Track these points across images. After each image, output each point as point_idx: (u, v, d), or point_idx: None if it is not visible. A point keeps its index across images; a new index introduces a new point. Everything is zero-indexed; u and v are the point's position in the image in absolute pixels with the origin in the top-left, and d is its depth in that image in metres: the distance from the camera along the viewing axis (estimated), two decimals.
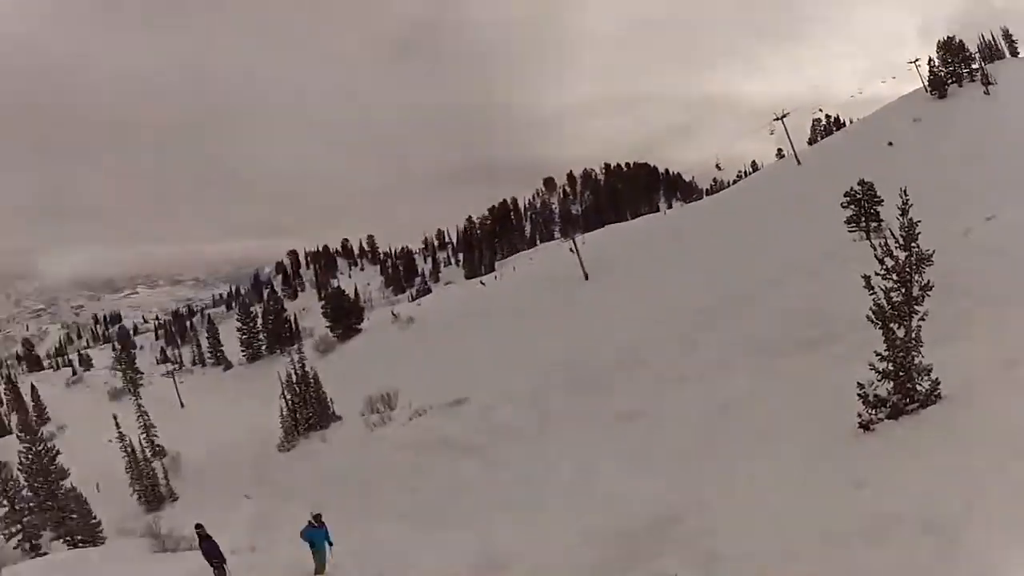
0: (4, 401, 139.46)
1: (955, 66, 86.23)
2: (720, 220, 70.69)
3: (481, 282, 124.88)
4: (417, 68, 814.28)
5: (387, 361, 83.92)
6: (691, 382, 34.50)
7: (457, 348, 76.70)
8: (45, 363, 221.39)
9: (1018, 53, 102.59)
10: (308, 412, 60.48)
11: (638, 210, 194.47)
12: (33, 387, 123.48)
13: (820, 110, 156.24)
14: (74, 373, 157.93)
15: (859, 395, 19.91)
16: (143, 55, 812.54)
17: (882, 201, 45.03)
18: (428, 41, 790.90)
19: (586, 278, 78.70)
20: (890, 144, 64.66)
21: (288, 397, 61.38)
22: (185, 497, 61.65)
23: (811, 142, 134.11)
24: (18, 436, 54.17)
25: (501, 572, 19.18)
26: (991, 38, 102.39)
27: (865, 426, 19.78)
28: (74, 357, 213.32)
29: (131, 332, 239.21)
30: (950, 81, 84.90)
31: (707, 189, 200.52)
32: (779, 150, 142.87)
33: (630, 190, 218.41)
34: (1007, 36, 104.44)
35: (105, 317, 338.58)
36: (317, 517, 24.47)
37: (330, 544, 24.36)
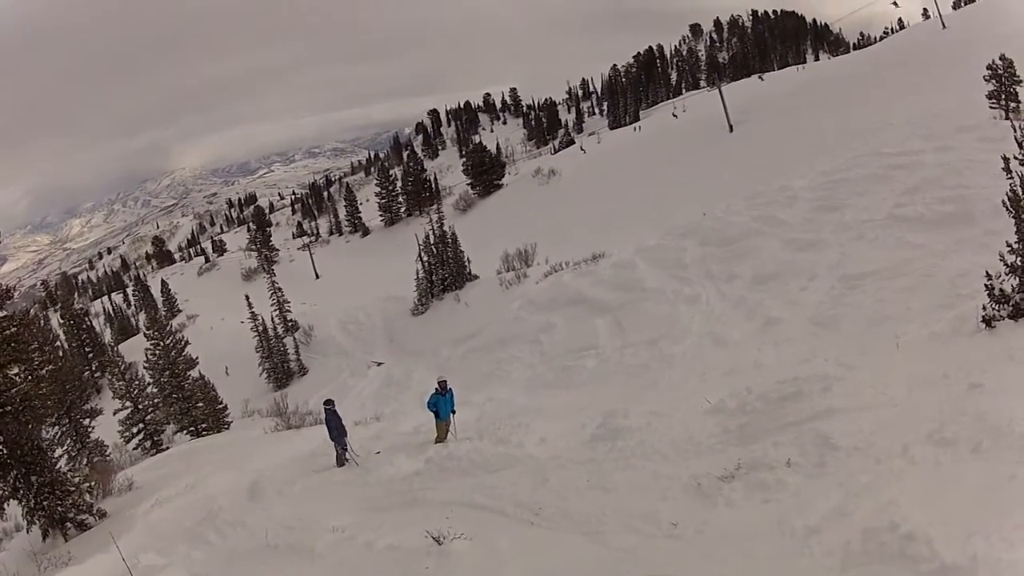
0: (132, 303, 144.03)
1: None
2: (861, 80, 68.15)
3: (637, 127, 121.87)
4: None
5: (527, 216, 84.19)
6: (825, 248, 33.48)
7: (598, 201, 76.52)
8: (176, 256, 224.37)
9: None
10: (444, 273, 60.24)
11: (785, 59, 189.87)
12: (163, 282, 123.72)
13: None
14: (207, 260, 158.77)
15: (986, 286, 18.72)
16: None
17: (1021, 81, 43.02)
18: None
19: (731, 130, 76.52)
20: None
21: (425, 258, 61.09)
22: (315, 370, 63.37)
23: (955, 6, 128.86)
24: (144, 334, 54.80)
25: (621, 440, 18.78)
26: None
27: (988, 322, 18.64)
28: (207, 245, 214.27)
29: (266, 211, 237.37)
30: None
31: (854, 43, 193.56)
32: (924, 10, 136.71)
33: (777, 39, 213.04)
34: None
35: (239, 200, 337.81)
36: (443, 383, 24.38)
37: (453, 412, 24.32)
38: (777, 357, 24.72)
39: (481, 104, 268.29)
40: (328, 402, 24.95)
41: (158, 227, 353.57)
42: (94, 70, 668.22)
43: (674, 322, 33.60)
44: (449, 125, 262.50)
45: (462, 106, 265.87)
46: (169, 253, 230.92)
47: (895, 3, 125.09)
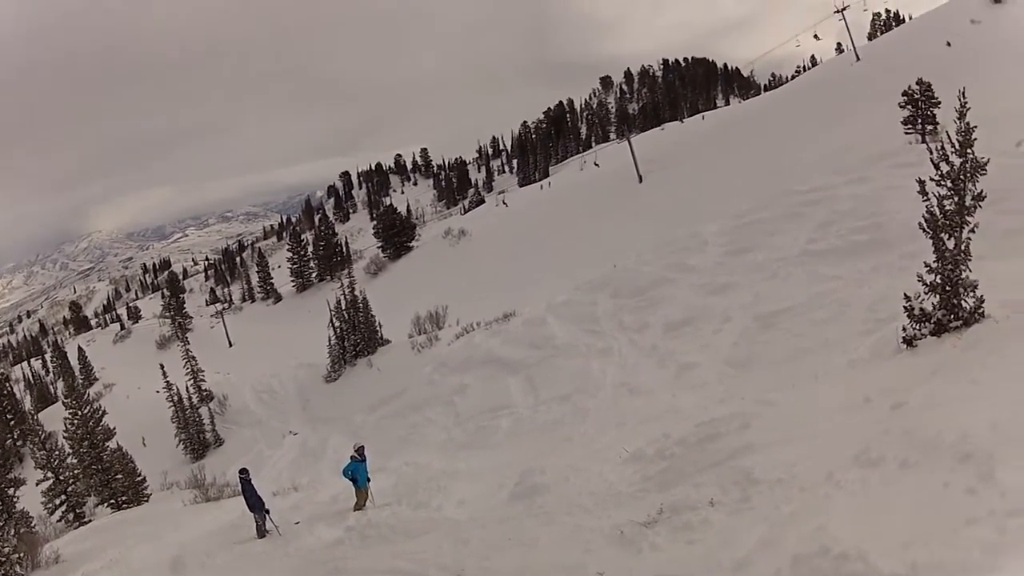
0: (50, 369, 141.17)
1: None
2: (771, 121, 69.53)
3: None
4: None
5: (438, 278, 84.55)
6: (738, 290, 33.67)
7: (508, 260, 76.87)
8: (93, 322, 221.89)
9: None
10: (356, 338, 59.65)
11: (696, 106, 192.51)
12: (80, 349, 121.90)
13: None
14: (122, 328, 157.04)
15: (904, 308, 18.90)
16: None
17: (939, 103, 43.19)
18: None
19: (640, 180, 77.07)
20: (948, 44, 62.58)
21: (336, 324, 60.60)
22: (231, 440, 62.17)
23: (870, 37, 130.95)
24: (63, 403, 54.11)
25: (540, 496, 18.81)
26: None
27: (908, 342, 18.78)
28: (123, 312, 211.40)
29: (180, 277, 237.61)
30: None
31: (766, 85, 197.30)
32: (838, 44, 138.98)
33: (688, 86, 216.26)
34: None
35: (154, 265, 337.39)
36: (360, 450, 24.26)
37: (368, 480, 24.08)
38: (693, 401, 24.57)
39: (392, 165, 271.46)
40: (243, 471, 24.80)
41: (75, 291, 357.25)
42: (12, 130, 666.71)
43: (587, 376, 33.60)
44: (360, 187, 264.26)
45: (373, 168, 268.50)
46: (86, 319, 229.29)
47: (816, 36, 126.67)
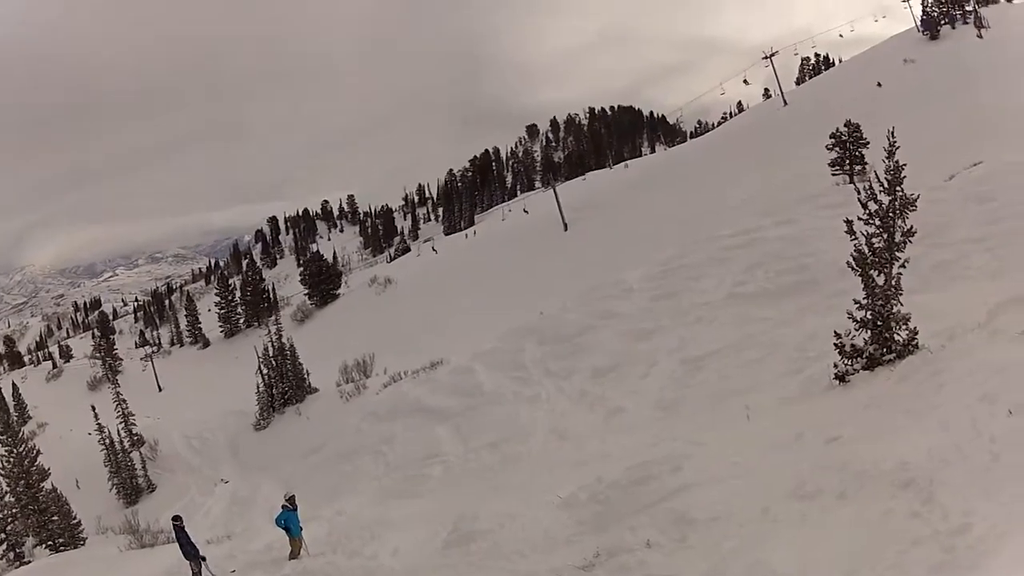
0: None
1: (948, 7, 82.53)
2: (697, 167, 70.39)
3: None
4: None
5: (364, 326, 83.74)
6: (664, 335, 33.69)
7: (434, 309, 76.36)
8: (26, 358, 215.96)
9: None
10: (284, 386, 59.05)
11: (621, 154, 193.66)
12: (14, 385, 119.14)
13: (813, 46, 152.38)
14: (54, 366, 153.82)
15: (835, 344, 19.19)
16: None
17: (868, 143, 43.73)
18: None
19: (565, 229, 77.53)
20: (879, 85, 63.85)
21: (264, 372, 59.88)
22: (163, 487, 61.23)
23: (799, 82, 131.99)
24: (0, 440, 53.23)
25: (475, 543, 18.86)
26: None
27: (841, 377, 19.10)
28: (55, 349, 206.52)
29: (110, 317, 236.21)
30: (943, 22, 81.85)
31: (691, 132, 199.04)
32: (766, 90, 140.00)
33: (614, 134, 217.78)
34: None
35: (85, 304, 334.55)
36: (291, 499, 24.13)
37: (300, 528, 23.89)
38: (624, 445, 24.50)
39: (319, 212, 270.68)
40: (176, 518, 24.74)
41: (9, 326, 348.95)
42: None
43: (516, 423, 33.39)
44: (288, 233, 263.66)
45: (300, 213, 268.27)
46: (19, 355, 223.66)
47: (745, 82, 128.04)
